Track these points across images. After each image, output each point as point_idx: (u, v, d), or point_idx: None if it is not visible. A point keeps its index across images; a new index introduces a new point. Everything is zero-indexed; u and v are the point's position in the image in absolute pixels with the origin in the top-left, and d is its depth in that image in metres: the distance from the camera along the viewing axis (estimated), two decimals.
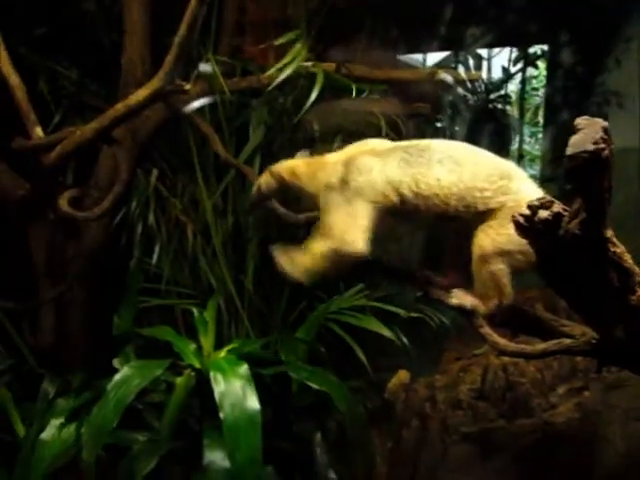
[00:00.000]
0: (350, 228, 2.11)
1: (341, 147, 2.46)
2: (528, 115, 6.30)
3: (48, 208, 3.17)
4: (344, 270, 2.17)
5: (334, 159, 2.23)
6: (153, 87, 2.67)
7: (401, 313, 3.41)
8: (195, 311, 3.06)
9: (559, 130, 4.87)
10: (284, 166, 2.27)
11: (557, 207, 1.95)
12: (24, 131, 2.96)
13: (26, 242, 3.26)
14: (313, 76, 3.16)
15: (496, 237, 2.12)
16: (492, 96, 5.76)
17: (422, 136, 5.02)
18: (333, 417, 3.15)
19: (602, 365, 2.35)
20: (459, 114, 5.41)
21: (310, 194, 2.22)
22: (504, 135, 5.65)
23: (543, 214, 1.95)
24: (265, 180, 2.31)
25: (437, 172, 2.12)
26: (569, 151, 1.61)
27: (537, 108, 6.29)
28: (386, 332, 3.28)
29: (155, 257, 3.30)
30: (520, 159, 5.54)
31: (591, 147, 1.62)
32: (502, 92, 5.81)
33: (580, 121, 1.65)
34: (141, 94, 2.72)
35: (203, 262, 3.41)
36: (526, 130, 6.20)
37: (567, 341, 2.22)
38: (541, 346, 2.21)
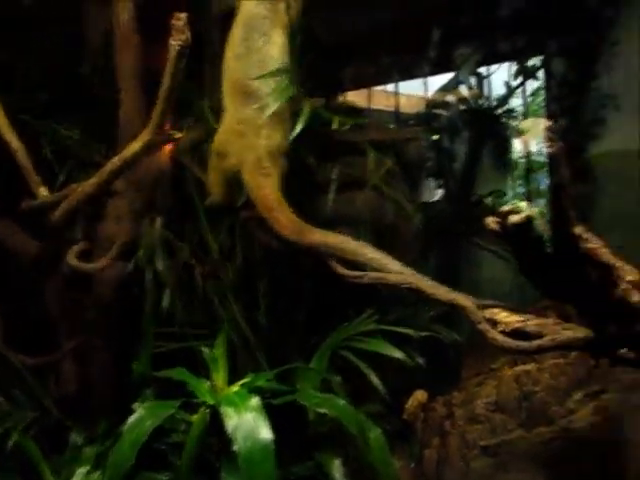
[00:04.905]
0: None
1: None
2: None
3: (60, 262, 3.30)
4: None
5: None
6: (144, 139, 2.79)
7: (411, 334, 3.46)
8: (205, 349, 3.15)
9: (559, 137, 4.92)
10: None
11: (527, 210, 2.02)
12: (30, 192, 3.12)
13: (42, 296, 3.39)
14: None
15: None
16: (497, 112, 5.82)
17: (424, 156, 5.14)
18: (353, 443, 3.18)
19: (597, 359, 2.40)
20: (461, 132, 5.49)
21: None
22: (508, 147, 5.69)
23: (514, 218, 2.03)
24: None
25: None
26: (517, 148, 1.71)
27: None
28: (398, 354, 3.32)
29: (166, 301, 3.39)
30: (529, 171, 5.59)
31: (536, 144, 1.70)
32: (506, 107, 5.87)
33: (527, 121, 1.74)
34: (134, 146, 2.84)
35: (215, 301, 3.49)
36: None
37: (562, 337, 2.26)
38: (537, 342, 2.26)
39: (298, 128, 2.84)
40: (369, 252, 2.65)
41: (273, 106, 2.84)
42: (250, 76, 2.97)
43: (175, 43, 2.52)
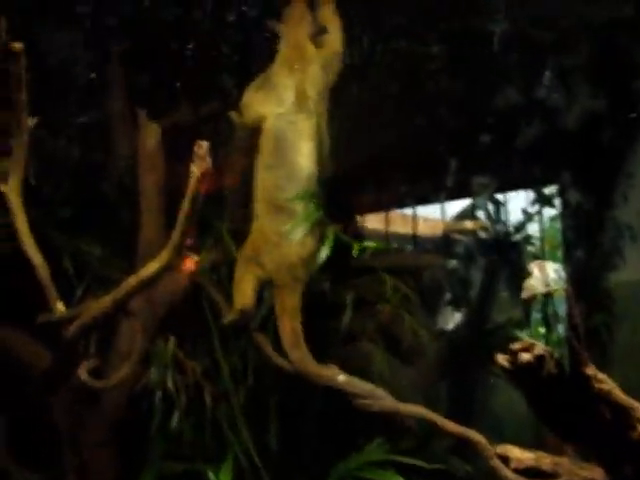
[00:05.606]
0: None
1: None
2: (550, 252, 6.34)
3: (70, 377, 3.29)
4: None
5: None
6: (162, 261, 2.82)
7: (424, 465, 3.37)
8: (211, 474, 3.09)
9: (577, 266, 4.94)
10: None
11: (538, 349, 2.00)
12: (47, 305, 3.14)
13: (49, 410, 3.37)
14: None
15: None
16: (514, 238, 5.85)
17: (440, 283, 5.14)
18: None
19: None
20: (478, 258, 5.51)
21: None
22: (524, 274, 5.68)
23: (525, 357, 2.01)
24: None
25: None
26: (523, 295, 1.75)
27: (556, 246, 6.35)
28: None
29: (175, 421, 3.35)
30: (546, 297, 5.54)
31: (542, 289, 1.74)
32: (524, 234, 5.90)
33: (533, 265, 1.78)
34: (153, 266, 2.86)
35: (225, 424, 3.45)
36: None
37: (577, 479, 2.22)
38: None
39: (324, 255, 2.94)
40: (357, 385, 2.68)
41: (303, 225, 2.95)
42: (280, 187, 3.13)
43: (196, 170, 2.58)
